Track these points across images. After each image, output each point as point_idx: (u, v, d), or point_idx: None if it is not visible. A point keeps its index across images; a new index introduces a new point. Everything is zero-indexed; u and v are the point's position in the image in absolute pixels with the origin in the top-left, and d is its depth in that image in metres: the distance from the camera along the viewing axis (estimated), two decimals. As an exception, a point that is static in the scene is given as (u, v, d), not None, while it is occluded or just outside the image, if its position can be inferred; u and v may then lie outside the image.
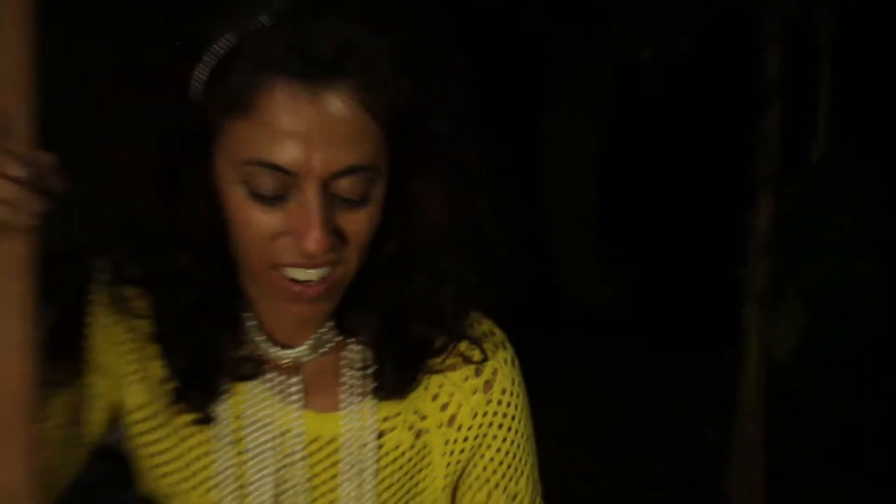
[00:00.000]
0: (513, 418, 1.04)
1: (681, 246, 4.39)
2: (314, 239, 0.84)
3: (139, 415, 1.00)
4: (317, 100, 0.82)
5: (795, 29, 2.79)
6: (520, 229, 0.99)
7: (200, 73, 0.85)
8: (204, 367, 0.96)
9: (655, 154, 4.58)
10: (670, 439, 3.25)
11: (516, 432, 1.04)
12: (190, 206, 0.89)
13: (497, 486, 1.04)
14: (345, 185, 0.85)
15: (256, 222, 0.86)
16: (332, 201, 0.85)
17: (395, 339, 0.98)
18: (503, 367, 1.03)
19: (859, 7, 3.34)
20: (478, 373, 1.02)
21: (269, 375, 0.99)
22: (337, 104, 0.82)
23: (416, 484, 1.03)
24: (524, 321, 1.10)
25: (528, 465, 1.06)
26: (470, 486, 1.05)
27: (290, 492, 1.00)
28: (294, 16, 0.83)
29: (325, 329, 0.99)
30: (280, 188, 0.84)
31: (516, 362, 1.05)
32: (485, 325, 1.03)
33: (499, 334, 1.04)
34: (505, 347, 1.04)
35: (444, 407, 1.02)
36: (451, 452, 1.03)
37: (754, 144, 2.79)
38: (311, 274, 0.88)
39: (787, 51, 2.73)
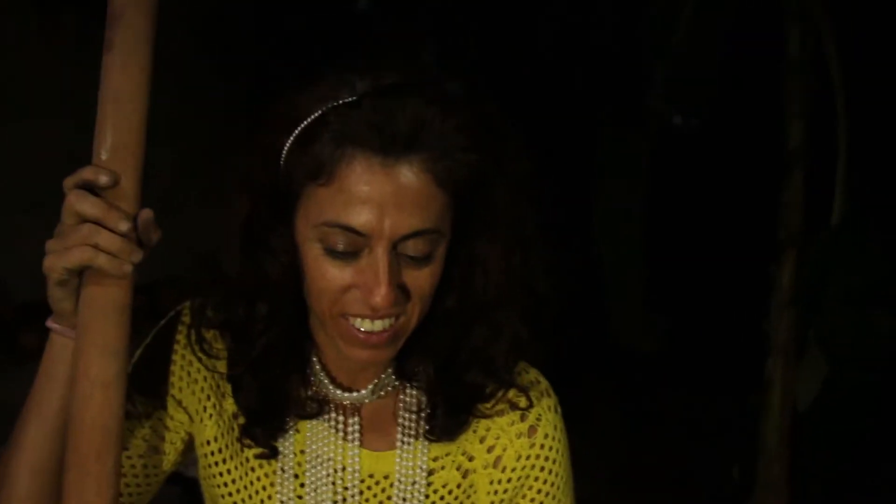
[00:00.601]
0: (554, 462, 1.01)
1: (713, 300, 4.34)
2: (381, 294, 0.84)
3: (211, 447, 0.99)
4: (391, 171, 0.83)
5: (817, 100, 2.77)
6: (577, 285, 0.97)
7: (289, 144, 0.86)
8: (271, 405, 0.96)
9: (691, 214, 4.55)
10: (699, 479, 3.18)
11: (557, 475, 1.01)
12: (271, 259, 0.90)
13: None
14: (411, 246, 0.85)
15: (330, 276, 0.86)
16: (398, 259, 0.86)
17: (449, 384, 0.96)
18: (547, 414, 1.01)
19: (877, 81, 3.32)
20: (523, 418, 1.00)
21: (330, 415, 0.98)
22: (408, 175, 0.83)
23: None
24: (577, 367, 1.07)
25: None
26: None
27: None
28: (374, 96, 0.84)
29: (384, 374, 0.98)
30: (352, 246, 0.85)
31: (559, 410, 1.02)
32: (531, 374, 1.02)
33: (543, 383, 1.03)
34: (549, 395, 1.02)
35: (490, 449, 1.00)
36: (496, 492, 1.00)
37: (779, 206, 2.76)
38: (377, 325, 0.88)
39: (808, 121, 2.72)
